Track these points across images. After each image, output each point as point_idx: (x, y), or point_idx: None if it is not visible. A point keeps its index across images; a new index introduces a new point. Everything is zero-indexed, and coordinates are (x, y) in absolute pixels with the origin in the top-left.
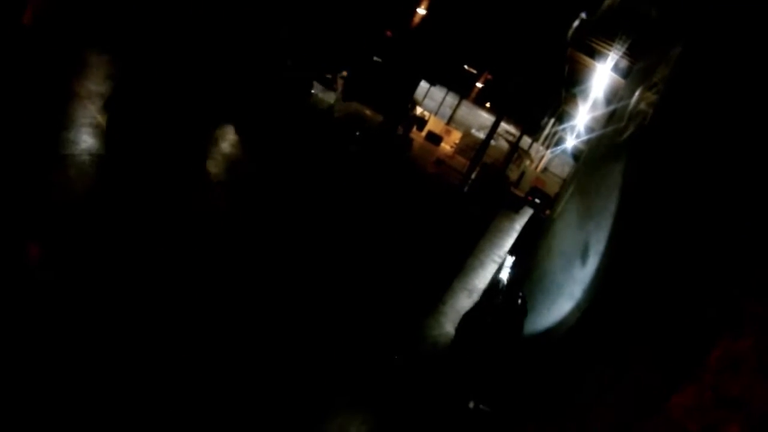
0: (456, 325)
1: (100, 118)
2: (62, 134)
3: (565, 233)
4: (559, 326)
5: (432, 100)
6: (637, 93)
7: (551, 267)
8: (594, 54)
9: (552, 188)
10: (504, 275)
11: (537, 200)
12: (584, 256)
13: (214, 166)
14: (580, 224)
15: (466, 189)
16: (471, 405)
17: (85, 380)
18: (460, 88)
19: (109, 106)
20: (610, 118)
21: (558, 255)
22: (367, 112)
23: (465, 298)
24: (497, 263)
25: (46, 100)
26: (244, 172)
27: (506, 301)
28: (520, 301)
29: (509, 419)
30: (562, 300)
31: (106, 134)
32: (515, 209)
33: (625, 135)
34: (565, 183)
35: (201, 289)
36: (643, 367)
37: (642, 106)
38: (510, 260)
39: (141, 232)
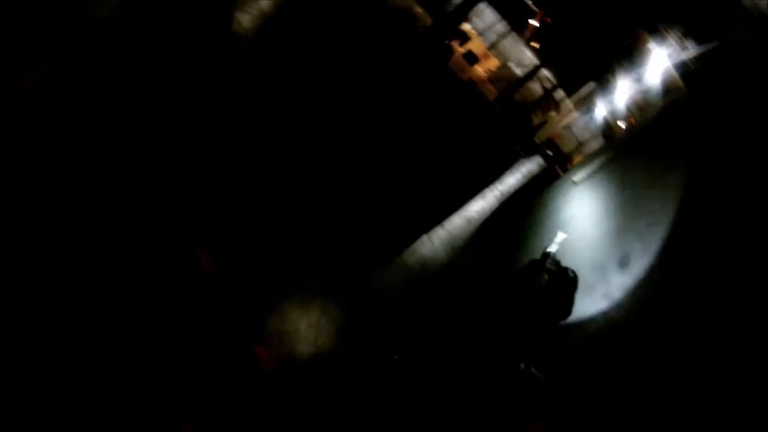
0: (448, 250)
1: None
2: None
3: (596, 210)
4: (587, 319)
5: (481, 20)
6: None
7: (573, 239)
8: (660, 40)
9: (566, 146)
10: (553, 248)
11: (549, 152)
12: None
13: (248, 21)
14: (619, 207)
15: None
16: (522, 366)
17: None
18: (514, 19)
19: None
20: (670, 112)
21: (582, 230)
22: (419, 10)
23: (462, 227)
24: (498, 198)
25: None
26: (279, 35)
27: (559, 273)
28: (572, 274)
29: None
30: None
31: None
32: (526, 152)
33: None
34: (593, 153)
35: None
36: None
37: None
38: (561, 236)
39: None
